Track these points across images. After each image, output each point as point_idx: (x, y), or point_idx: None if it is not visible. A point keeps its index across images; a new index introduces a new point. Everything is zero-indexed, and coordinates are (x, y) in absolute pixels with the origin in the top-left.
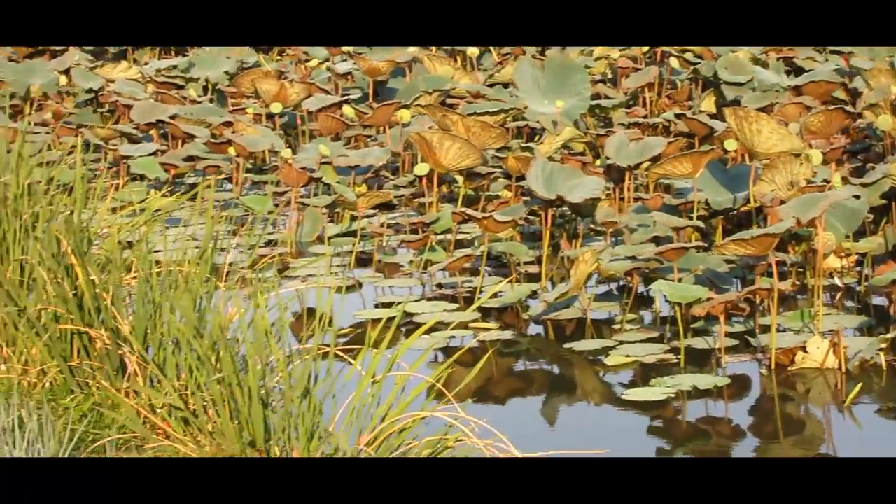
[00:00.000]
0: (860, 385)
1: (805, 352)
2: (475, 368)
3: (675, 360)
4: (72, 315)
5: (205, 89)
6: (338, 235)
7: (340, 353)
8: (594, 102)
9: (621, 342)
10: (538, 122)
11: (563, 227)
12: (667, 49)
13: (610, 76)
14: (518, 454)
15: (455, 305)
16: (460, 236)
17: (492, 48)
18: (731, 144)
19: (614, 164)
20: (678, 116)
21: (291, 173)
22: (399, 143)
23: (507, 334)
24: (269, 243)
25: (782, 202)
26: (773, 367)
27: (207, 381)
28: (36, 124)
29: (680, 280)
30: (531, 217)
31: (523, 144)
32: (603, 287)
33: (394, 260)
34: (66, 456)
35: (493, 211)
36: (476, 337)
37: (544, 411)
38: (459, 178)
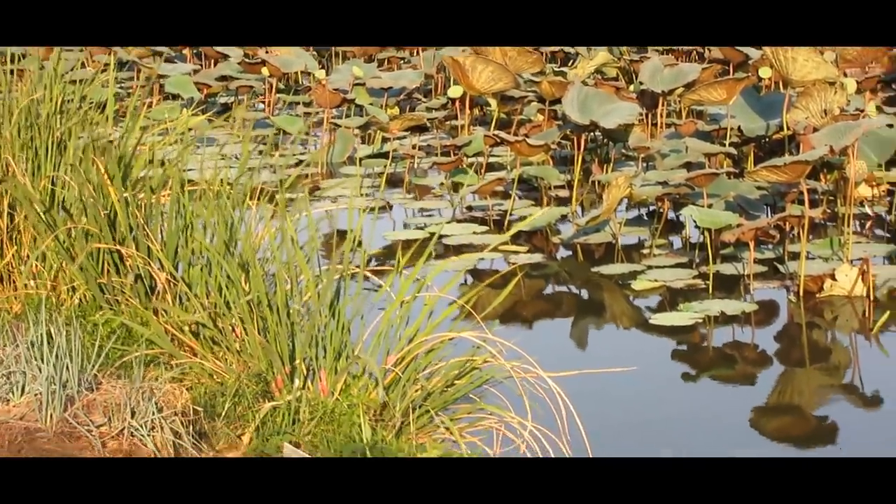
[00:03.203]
0: (888, 313)
1: (834, 279)
2: (504, 291)
3: (704, 286)
4: (103, 233)
5: None
6: (369, 157)
7: (370, 274)
8: None
9: (650, 267)
10: (572, 46)
11: (595, 151)
12: None
13: None
14: (545, 375)
15: (485, 228)
16: (492, 159)
17: None
18: (765, 72)
19: (648, 89)
20: None
21: (324, 94)
22: (432, 66)
23: (537, 257)
24: (300, 164)
25: (815, 130)
26: (801, 294)
27: (236, 299)
28: None
29: (710, 206)
30: (563, 141)
31: (557, 69)
32: (633, 212)
33: (425, 182)
34: (94, 371)
35: (525, 135)
36: (506, 260)
37: (572, 333)
38: (493, 102)
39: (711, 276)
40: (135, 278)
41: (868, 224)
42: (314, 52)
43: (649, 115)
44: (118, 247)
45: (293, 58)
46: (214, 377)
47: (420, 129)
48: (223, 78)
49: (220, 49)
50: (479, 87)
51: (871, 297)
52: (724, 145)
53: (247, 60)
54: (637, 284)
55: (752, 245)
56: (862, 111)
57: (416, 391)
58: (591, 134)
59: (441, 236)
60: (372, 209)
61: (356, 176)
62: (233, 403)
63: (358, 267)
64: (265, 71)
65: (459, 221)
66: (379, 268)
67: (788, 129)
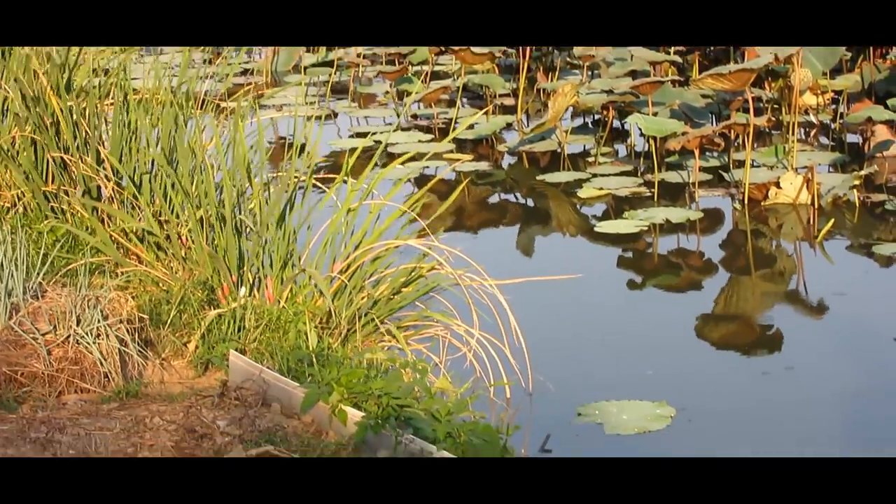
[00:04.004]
0: (832, 221)
1: (778, 187)
2: (450, 199)
3: (649, 194)
4: (48, 141)
5: None
6: (314, 65)
7: (316, 182)
8: None
9: (595, 175)
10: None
11: (540, 60)
12: None
13: None
14: (491, 282)
15: (430, 136)
16: (437, 68)
17: None
18: None
19: None
20: None
21: None
22: None
23: (483, 165)
24: (244, 72)
25: None
26: (746, 201)
27: (182, 206)
28: None
29: (656, 114)
30: (508, 50)
31: None
32: (578, 120)
33: (370, 90)
34: (40, 279)
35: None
36: (451, 167)
37: (518, 241)
38: None
39: (657, 183)
40: (83, 192)
41: (813, 132)
42: None
43: None
44: (62, 154)
45: None
46: (160, 285)
47: None
48: None
49: None
50: None
51: (816, 205)
52: (669, 53)
53: None
54: (583, 192)
55: (697, 153)
56: None
57: (363, 299)
58: None
59: (386, 144)
60: (317, 117)
61: (301, 84)
62: (178, 311)
63: (304, 175)
64: None
65: (405, 130)
66: (325, 176)
67: None
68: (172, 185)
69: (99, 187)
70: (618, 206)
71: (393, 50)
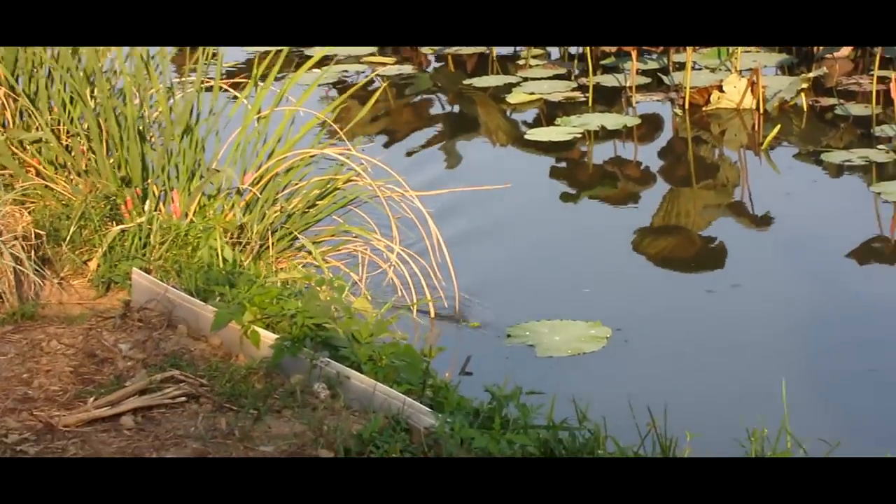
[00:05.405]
0: (778, 127)
1: (721, 91)
2: (368, 104)
3: (583, 99)
4: None
5: None
6: None
7: (225, 86)
8: None
9: (526, 79)
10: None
11: None
12: None
13: None
14: (413, 194)
15: None
16: None
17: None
18: None
19: None
20: None
21: None
22: None
23: (407, 69)
24: None
25: None
26: (686, 106)
27: (82, 114)
28: None
29: None
30: None
31: None
32: None
33: None
34: None
35: None
36: (374, 74)
37: (444, 150)
38: None
39: (591, 87)
40: None
41: None
42: None
43: None
44: None
45: None
46: (60, 199)
47: None
48: None
49: None
50: None
51: (761, 110)
52: None
53: None
54: (512, 97)
55: (634, 55)
56: None
57: (276, 213)
58: None
59: (301, 47)
60: None
61: None
62: (79, 227)
63: (212, 79)
64: None
65: None
66: (236, 80)
67: None
68: (71, 98)
69: None
70: (550, 112)
71: None
